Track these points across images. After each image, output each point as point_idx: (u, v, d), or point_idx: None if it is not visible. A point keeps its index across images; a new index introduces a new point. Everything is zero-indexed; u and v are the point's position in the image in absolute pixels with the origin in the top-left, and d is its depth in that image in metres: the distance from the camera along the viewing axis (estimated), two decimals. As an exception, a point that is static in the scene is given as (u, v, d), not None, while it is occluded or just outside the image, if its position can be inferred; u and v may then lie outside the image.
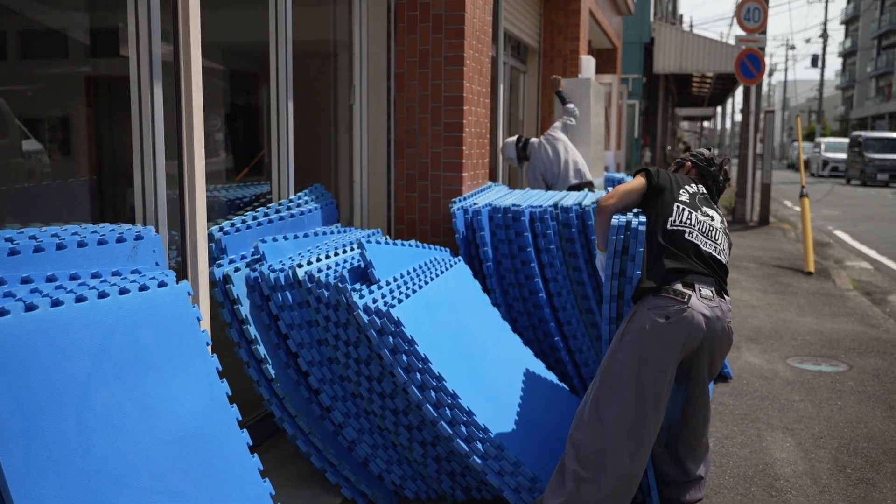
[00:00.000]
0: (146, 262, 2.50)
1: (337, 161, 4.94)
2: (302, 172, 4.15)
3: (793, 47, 65.30)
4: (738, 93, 25.23)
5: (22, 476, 1.67)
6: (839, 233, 12.94)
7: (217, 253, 3.20)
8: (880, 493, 3.32)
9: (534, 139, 6.50)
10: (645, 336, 2.75)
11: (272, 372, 3.04)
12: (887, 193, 22.23)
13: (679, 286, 2.78)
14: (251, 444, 2.36)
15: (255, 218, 3.47)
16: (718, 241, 3.00)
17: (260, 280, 3.15)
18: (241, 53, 5.03)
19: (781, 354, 5.41)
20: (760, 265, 9.24)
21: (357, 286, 3.17)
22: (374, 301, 3.01)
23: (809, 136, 47.73)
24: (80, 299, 2.00)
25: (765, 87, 35.02)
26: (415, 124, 4.82)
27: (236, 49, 4.95)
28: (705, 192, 3.19)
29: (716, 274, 2.90)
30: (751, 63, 12.93)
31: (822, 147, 32.55)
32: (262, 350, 3.05)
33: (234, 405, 2.38)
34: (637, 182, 3.11)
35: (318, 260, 3.31)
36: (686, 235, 2.91)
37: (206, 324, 2.82)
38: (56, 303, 1.93)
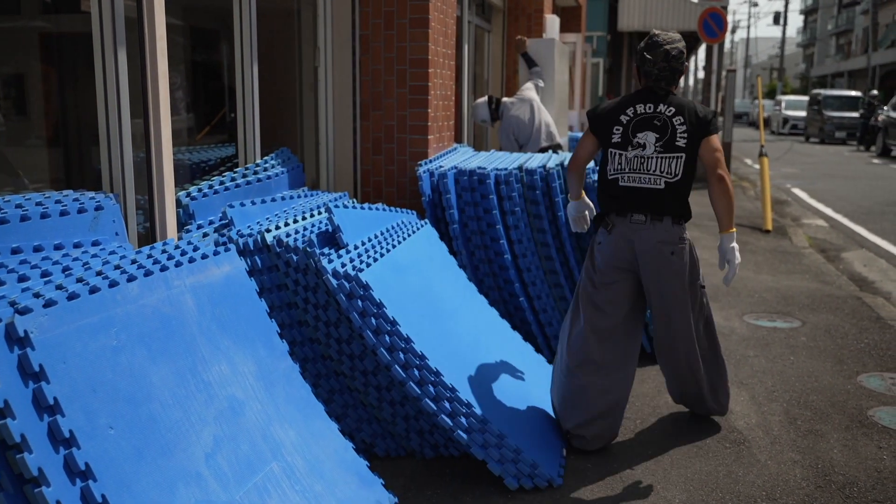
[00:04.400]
0: (106, 232, 2.58)
1: (302, 124, 4.93)
2: (267, 135, 4.14)
3: (755, 4, 65.54)
4: (701, 50, 25.30)
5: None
6: (797, 191, 13.21)
7: (185, 218, 3.21)
8: (827, 443, 3.50)
9: (506, 99, 6.52)
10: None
11: (243, 335, 3.08)
12: (844, 151, 22.66)
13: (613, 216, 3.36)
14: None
15: (222, 182, 3.48)
16: (651, 170, 3.29)
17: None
18: (202, 10, 4.95)
19: (738, 311, 5.58)
20: (720, 223, 9.42)
21: (325, 250, 3.21)
22: (343, 265, 3.06)
23: (770, 94, 48.17)
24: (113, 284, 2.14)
25: (727, 45, 35.06)
26: (380, 87, 4.82)
27: (196, 5, 4.88)
28: (648, 106, 3.31)
29: (648, 202, 3.30)
30: (713, 22, 13.01)
31: (783, 105, 32.92)
32: (232, 314, 3.09)
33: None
34: (585, 134, 3.47)
35: (286, 224, 3.35)
36: (620, 182, 3.30)
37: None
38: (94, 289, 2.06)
